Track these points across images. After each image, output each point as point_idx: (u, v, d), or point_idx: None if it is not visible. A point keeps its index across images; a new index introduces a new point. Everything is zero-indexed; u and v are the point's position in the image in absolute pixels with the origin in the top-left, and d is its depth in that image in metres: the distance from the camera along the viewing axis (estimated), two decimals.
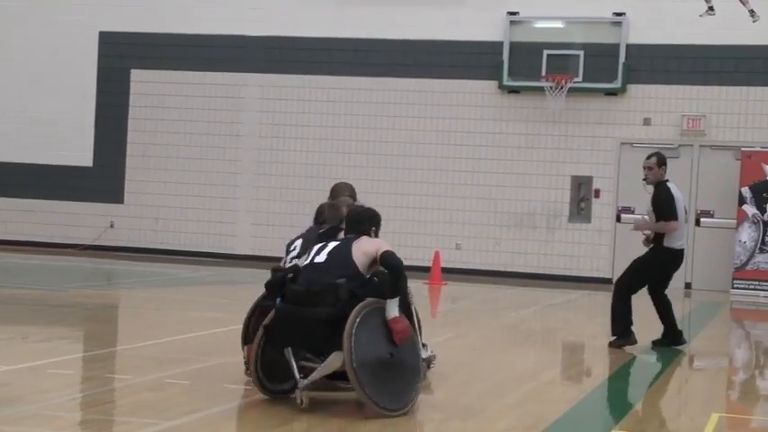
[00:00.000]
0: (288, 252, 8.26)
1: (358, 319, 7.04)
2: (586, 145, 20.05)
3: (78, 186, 21.93)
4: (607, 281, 19.77)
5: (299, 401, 7.19)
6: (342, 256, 7.24)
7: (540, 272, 20.03)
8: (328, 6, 20.91)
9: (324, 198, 8.98)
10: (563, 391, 9.02)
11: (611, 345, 10.97)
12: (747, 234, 18.78)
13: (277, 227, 20.52)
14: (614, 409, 8.43)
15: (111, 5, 21.80)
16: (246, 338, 8.15)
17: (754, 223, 18.77)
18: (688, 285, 19.43)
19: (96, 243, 21.78)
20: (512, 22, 20.21)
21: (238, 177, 21.34)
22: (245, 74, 21.29)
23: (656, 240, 11.04)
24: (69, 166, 21.98)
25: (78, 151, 21.93)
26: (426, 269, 18.32)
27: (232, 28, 21.27)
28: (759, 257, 18.75)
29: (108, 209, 21.90)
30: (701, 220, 19.42)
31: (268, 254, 19.19)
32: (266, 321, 7.39)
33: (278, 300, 7.29)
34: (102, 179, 21.88)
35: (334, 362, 7.13)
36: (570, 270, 19.95)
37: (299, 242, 8.25)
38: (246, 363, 8.02)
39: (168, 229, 21.69)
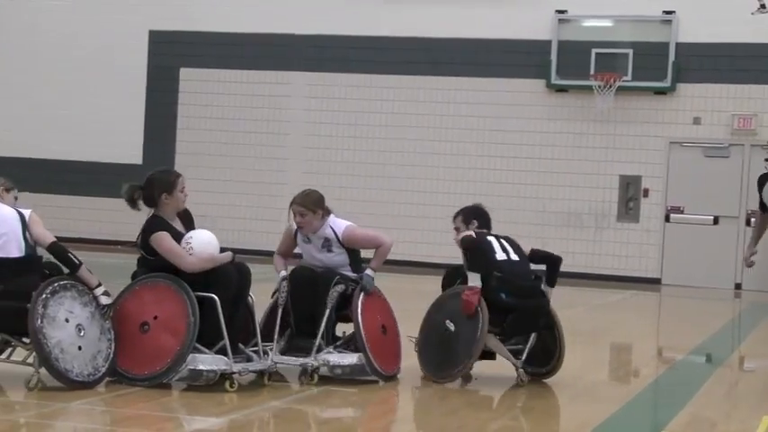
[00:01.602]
0: None
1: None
2: (635, 144, 19.90)
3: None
4: (655, 281, 19.65)
5: (522, 379, 8.24)
6: (523, 253, 8.70)
7: (588, 271, 19.88)
8: (375, 4, 20.89)
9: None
10: (610, 391, 8.96)
11: None
12: None
13: None
14: (662, 411, 8.36)
15: (160, 4, 21.93)
16: None
17: None
18: (738, 286, 19.23)
19: None
20: (560, 21, 20.11)
21: (286, 175, 21.37)
22: (293, 72, 21.31)
23: None
24: (119, 164, 22.13)
25: (128, 149, 22.09)
26: None
27: (280, 26, 21.31)
28: None
29: None
30: (752, 219, 19.21)
31: None
32: (490, 317, 8.21)
33: (502, 294, 8.31)
34: None
35: (534, 340, 8.49)
36: (618, 270, 19.81)
37: None
38: None
39: (216, 227, 21.68)
